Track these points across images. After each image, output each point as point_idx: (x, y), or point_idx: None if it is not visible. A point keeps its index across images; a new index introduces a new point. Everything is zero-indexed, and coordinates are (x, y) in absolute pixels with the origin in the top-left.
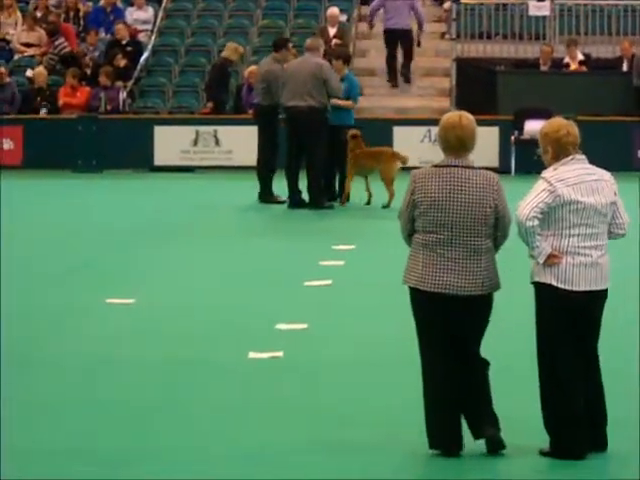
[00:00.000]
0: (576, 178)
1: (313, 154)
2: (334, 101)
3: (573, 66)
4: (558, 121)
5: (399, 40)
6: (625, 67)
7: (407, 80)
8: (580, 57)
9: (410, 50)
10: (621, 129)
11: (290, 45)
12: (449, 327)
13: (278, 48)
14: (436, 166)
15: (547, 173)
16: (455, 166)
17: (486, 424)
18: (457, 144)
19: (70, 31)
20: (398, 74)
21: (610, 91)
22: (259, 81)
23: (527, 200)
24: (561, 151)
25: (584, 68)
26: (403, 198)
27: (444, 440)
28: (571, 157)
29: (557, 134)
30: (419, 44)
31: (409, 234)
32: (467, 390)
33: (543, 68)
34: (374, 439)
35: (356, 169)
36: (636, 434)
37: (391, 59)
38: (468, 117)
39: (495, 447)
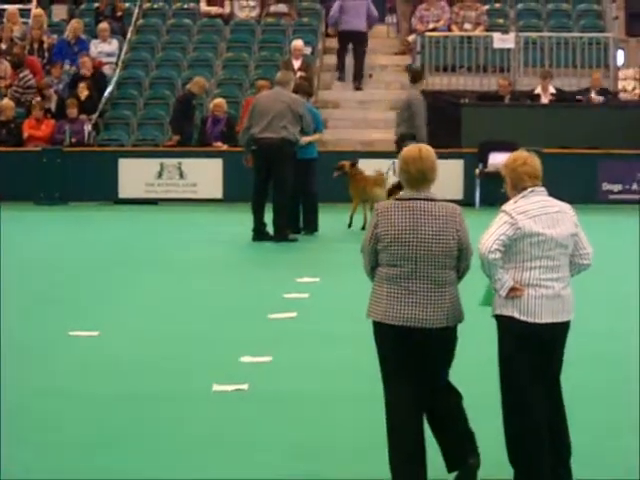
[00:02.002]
0: (537, 210)
1: (281, 187)
2: (305, 139)
3: (545, 99)
4: (518, 153)
5: (352, 40)
6: (594, 99)
7: (358, 86)
8: (552, 90)
9: (362, 52)
10: (586, 161)
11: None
12: (414, 360)
13: (416, 80)
14: (398, 199)
15: (507, 206)
16: (417, 199)
17: (467, 453)
18: (418, 176)
19: (35, 64)
20: (347, 70)
21: (575, 123)
22: (402, 110)
23: (489, 233)
24: (518, 181)
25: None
26: (366, 231)
27: (408, 476)
28: (530, 189)
29: (514, 164)
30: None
31: (372, 267)
32: (441, 421)
33: (508, 101)
34: (339, 473)
35: (360, 194)
36: (600, 465)
37: (342, 53)
38: (428, 149)
39: (470, 479)
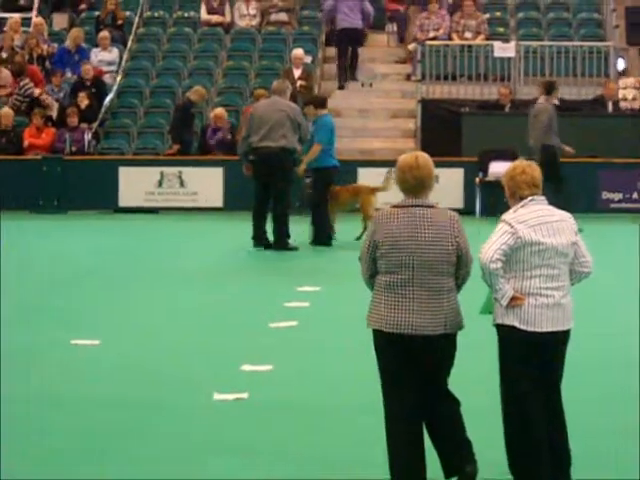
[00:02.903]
0: (536, 219)
1: (281, 196)
2: (304, 161)
3: None
4: (517, 162)
5: (350, 39)
6: (610, 108)
7: (353, 77)
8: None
9: (357, 48)
10: (587, 170)
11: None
12: (413, 368)
13: (549, 92)
14: (396, 206)
15: (507, 215)
16: (415, 206)
17: (464, 461)
18: (416, 184)
19: (36, 73)
20: (347, 74)
21: (576, 132)
22: (530, 120)
23: (490, 243)
24: (516, 189)
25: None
26: (364, 240)
27: None
28: (530, 198)
29: (512, 172)
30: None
31: (371, 275)
32: (439, 429)
33: (508, 110)
34: None
35: (338, 206)
36: (600, 474)
37: (342, 59)
38: (424, 156)
39: None
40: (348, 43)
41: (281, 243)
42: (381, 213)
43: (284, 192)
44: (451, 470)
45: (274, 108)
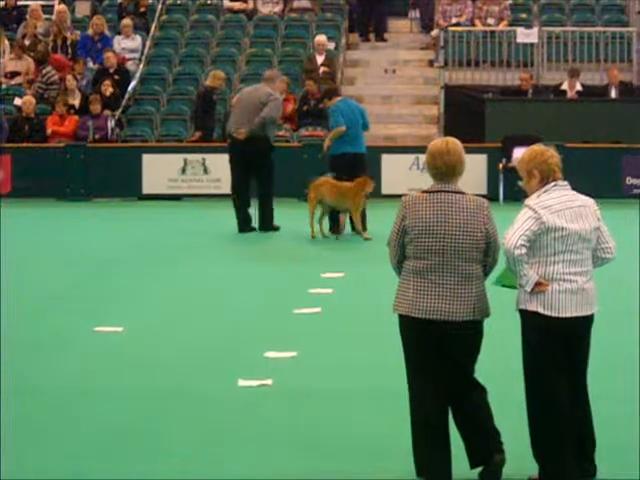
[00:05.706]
0: (560, 205)
1: (260, 179)
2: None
3: (570, 95)
4: (540, 147)
5: (372, 4)
6: (613, 94)
7: (380, 35)
8: (579, 87)
9: (382, 13)
10: (609, 156)
11: None
12: (441, 354)
13: None
14: (426, 192)
15: (531, 201)
16: (445, 191)
17: (492, 450)
18: (446, 169)
19: (61, 61)
20: (370, 32)
21: (599, 117)
22: None
23: (514, 229)
24: (550, 173)
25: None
26: (393, 225)
27: (431, 468)
28: (553, 184)
29: (543, 157)
30: None
31: (399, 261)
32: (466, 417)
33: (530, 95)
34: (362, 468)
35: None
36: (624, 460)
37: (364, 17)
38: (455, 142)
39: (494, 475)
40: (369, 6)
41: (265, 225)
42: (410, 198)
43: (263, 176)
44: (478, 460)
45: (252, 95)
